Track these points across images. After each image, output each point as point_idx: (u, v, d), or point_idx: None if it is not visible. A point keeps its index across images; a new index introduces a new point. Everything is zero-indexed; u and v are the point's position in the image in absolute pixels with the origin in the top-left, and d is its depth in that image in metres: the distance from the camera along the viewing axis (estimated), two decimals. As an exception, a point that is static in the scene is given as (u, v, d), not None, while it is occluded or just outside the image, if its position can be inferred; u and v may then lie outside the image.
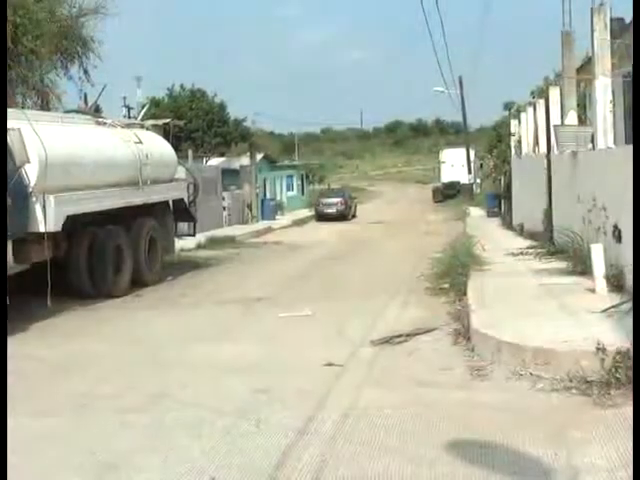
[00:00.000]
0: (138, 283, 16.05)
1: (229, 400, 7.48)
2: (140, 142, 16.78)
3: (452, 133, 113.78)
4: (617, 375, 7.05)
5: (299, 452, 5.94)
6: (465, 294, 11.92)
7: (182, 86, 56.45)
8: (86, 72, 27.87)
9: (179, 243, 20.56)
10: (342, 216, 42.69)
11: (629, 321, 8.55)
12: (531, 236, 20.06)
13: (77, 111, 18.83)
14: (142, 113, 22.17)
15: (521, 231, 22.57)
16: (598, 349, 7.28)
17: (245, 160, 40.82)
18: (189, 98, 54.93)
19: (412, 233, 29.84)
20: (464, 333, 9.60)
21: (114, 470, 5.81)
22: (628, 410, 6.49)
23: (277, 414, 6.93)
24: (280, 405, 7.22)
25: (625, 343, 7.35)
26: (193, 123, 51.84)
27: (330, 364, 8.66)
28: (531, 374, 7.64)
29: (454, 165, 61.03)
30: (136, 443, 6.36)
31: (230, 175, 37.91)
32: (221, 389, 7.93)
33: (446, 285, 13.60)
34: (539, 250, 16.25)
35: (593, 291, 10.84)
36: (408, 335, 9.94)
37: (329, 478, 5.48)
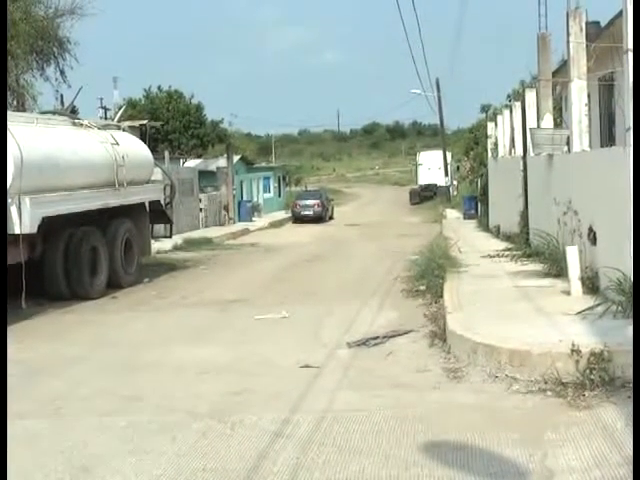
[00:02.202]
0: (114, 285, 16.00)
1: (204, 402, 7.46)
2: (117, 143, 16.72)
3: (429, 135, 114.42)
4: (591, 377, 7.10)
5: (274, 455, 5.93)
6: (441, 296, 11.95)
7: (159, 87, 56.44)
8: (62, 73, 27.81)
9: (155, 245, 20.50)
10: (319, 218, 42.69)
11: (603, 323, 8.63)
12: (507, 238, 20.15)
13: (53, 112, 18.72)
14: (119, 114, 22.05)
15: (497, 233, 22.65)
16: (573, 351, 7.32)
17: (222, 162, 40.71)
18: (166, 99, 54.87)
19: (389, 235, 29.86)
20: (440, 335, 9.62)
21: (89, 473, 5.78)
22: (602, 411, 6.54)
23: (252, 417, 6.91)
24: (256, 407, 7.21)
25: (599, 345, 7.40)
26: (170, 124, 51.84)
27: (307, 366, 8.66)
28: (507, 376, 7.66)
29: (431, 168, 61.27)
30: (111, 446, 6.33)
31: (207, 177, 37.84)
32: (197, 391, 7.90)
33: (422, 287, 13.62)
34: (515, 252, 16.29)
35: (568, 293, 10.89)
36: (384, 337, 9.95)
37: (305, 481, 5.48)
